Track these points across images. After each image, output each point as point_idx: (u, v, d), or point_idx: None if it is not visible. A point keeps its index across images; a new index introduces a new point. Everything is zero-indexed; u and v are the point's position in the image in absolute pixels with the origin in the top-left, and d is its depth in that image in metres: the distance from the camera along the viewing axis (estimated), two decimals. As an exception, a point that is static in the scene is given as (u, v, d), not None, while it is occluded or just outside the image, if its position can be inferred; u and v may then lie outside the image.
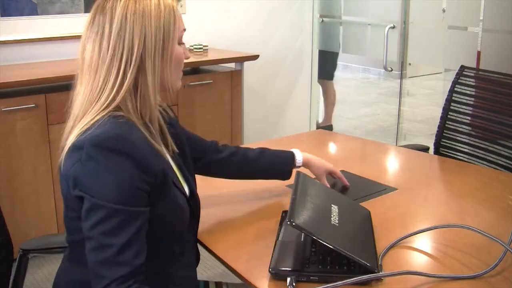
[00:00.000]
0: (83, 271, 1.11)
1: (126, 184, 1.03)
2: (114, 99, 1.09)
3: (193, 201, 1.26)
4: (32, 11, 2.93)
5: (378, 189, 1.63)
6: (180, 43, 1.18)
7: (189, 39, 3.47)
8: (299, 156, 1.58)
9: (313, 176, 1.61)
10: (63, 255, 1.27)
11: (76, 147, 1.04)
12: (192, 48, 3.38)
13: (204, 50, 3.38)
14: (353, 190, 1.63)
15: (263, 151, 1.57)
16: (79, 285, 1.15)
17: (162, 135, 1.25)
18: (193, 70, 3.20)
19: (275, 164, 1.56)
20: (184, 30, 1.19)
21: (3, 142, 2.49)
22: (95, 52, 1.10)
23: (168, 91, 1.17)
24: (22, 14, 2.90)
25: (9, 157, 2.52)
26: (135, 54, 1.08)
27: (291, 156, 1.57)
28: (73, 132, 1.09)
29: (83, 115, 1.09)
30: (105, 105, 1.08)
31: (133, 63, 1.09)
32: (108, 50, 1.08)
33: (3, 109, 2.46)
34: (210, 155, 1.50)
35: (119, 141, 1.03)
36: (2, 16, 2.85)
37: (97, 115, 1.07)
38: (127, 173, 1.03)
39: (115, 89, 1.08)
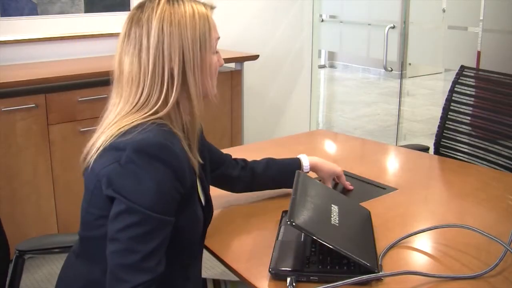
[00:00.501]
0: (91, 268, 1.12)
1: (164, 192, 1.03)
2: (157, 112, 1.09)
3: (207, 211, 1.27)
4: (32, 11, 2.93)
5: (378, 189, 1.63)
6: (214, 51, 1.18)
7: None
8: (306, 162, 1.58)
9: (316, 176, 1.61)
10: (63, 255, 1.26)
11: (116, 148, 1.04)
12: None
13: (204, 50, 3.37)
14: (353, 191, 1.64)
15: (269, 162, 1.57)
16: (85, 281, 1.15)
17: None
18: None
19: (282, 175, 1.56)
20: (218, 38, 1.19)
21: (3, 142, 2.49)
22: (135, 65, 1.10)
23: (209, 99, 1.19)
24: (22, 14, 2.90)
25: (9, 157, 2.52)
26: (176, 68, 1.09)
27: (298, 163, 1.58)
28: (104, 134, 1.08)
29: (116, 121, 1.09)
30: (147, 114, 1.08)
31: (176, 77, 1.10)
32: (148, 64, 1.09)
33: (3, 109, 2.46)
34: (224, 169, 1.51)
35: (162, 149, 1.03)
36: (2, 16, 2.85)
37: (135, 120, 1.07)
38: (167, 182, 1.04)
39: (159, 104, 1.09)
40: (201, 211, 1.21)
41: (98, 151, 1.07)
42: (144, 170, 1.02)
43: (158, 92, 1.09)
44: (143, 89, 1.09)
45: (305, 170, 1.57)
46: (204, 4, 1.16)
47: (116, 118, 1.10)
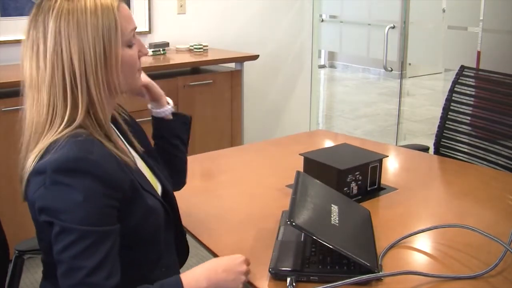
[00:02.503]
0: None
1: (93, 204, 0.99)
2: (72, 120, 1.04)
3: (167, 200, 1.23)
4: (32, 11, 2.93)
5: (377, 189, 1.63)
6: (131, 44, 1.10)
7: (189, 39, 3.47)
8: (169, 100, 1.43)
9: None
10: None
11: (38, 171, 1.00)
12: (192, 48, 3.39)
13: (204, 50, 3.38)
14: (351, 158, 1.64)
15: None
16: None
17: (127, 138, 1.23)
18: (193, 70, 3.20)
19: (160, 127, 1.41)
20: (134, 29, 1.10)
21: (3, 142, 2.49)
22: (33, 69, 1.04)
23: (120, 94, 1.11)
24: (22, 14, 2.90)
25: (9, 157, 2.52)
26: (77, 70, 1.02)
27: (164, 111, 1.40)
28: (30, 155, 1.04)
29: (38, 138, 1.05)
30: (62, 126, 1.03)
31: (79, 80, 1.03)
32: (46, 68, 1.03)
33: (3, 109, 2.47)
34: None
35: (79, 162, 0.98)
36: (2, 16, 2.85)
37: (52, 136, 1.02)
38: (93, 193, 0.99)
39: (69, 111, 1.03)
40: (157, 202, 1.16)
41: (26, 178, 1.03)
42: (68, 187, 0.97)
43: (62, 98, 1.03)
44: (43, 93, 1.03)
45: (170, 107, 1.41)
46: None
47: (34, 134, 1.05)
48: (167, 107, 1.40)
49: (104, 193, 1.00)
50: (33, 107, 1.05)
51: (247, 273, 1.13)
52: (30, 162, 1.03)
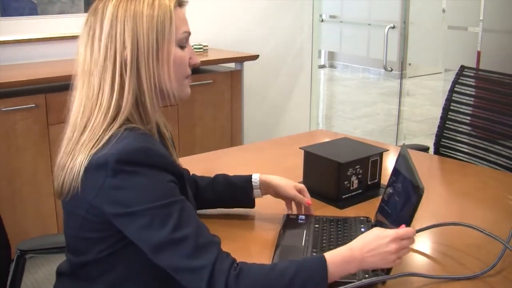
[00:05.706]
0: (92, 285, 1.11)
1: (165, 182, 1.02)
2: (119, 107, 1.05)
3: None
4: (32, 11, 2.93)
5: (378, 189, 1.63)
6: (183, 46, 1.14)
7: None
8: (256, 176, 1.43)
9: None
10: (63, 255, 1.26)
11: (98, 166, 1.00)
12: (192, 48, 3.38)
13: (204, 50, 3.38)
14: (351, 151, 1.63)
15: (217, 176, 1.45)
16: None
17: (167, 148, 1.24)
18: (193, 70, 3.19)
19: (229, 189, 1.43)
20: (187, 33, 1.15)
21: (3, 142, 2.49)
22: (88, 54, 1.07)
23: (169, 99, 1.12)
24: (22, 14, 2.90)
25: (9, 157, 2.52)
26: (129, 55, 1.04)
27: (248, 178, 1.43)
28: (79, 147, 1.03)
29: (84, 125, 1.05)
30: (109, 115, 1.04)
31: (129, 64, 1.05)
32: (99, 51, 1.05)
33: (3, 109, 2.47)
34: None
35: (146, 153, 1.01)
36: (2, 16, 2.85)
37: (106, 128, 1.03)
38: (162, 178, 1.02)
39: (115, 95, 1.04)
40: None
41: (80, 174, 1.02)
42: (134, 175, 0.99)
43: (110, 79, 1.04)
44: (94, 78, 1.05)
45: (254, 184, 1.42)
46: None
47: (80, 121, 1.06)
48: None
49: (169, 176, 1.04)
50: (83, 90, 1.07)
51: (398, 251, 1.06)
52: (84, 156, 1.02)
